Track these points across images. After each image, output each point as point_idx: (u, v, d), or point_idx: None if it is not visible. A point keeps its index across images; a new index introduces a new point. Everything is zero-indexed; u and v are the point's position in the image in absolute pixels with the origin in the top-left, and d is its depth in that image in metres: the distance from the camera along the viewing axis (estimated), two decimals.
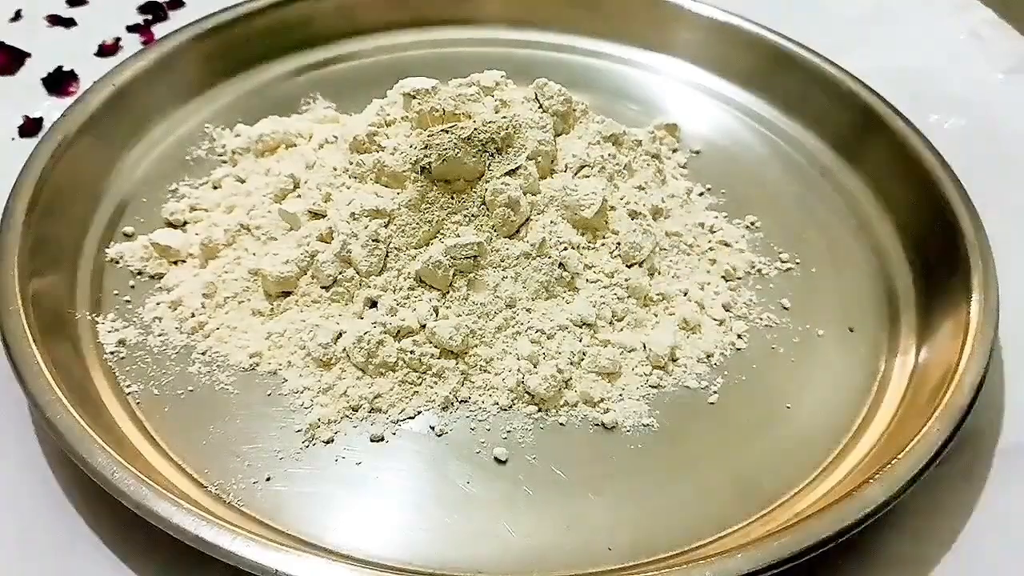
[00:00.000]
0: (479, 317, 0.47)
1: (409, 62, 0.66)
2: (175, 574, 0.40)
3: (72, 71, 0.64)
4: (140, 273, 0.51)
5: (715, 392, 0.48)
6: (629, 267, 0.50)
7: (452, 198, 0.49)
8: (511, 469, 0.44)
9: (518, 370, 0.47)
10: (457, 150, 0.48)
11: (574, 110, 0.54)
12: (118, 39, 0.68)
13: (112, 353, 0.47)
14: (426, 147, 0.49)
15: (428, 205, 0.49)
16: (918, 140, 0.57)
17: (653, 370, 0.48)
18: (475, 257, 0.48)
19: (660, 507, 0.43)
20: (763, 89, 0.65)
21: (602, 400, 0.47)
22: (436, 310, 0.48)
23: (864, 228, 0.57)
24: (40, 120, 0.61)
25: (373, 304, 0.48)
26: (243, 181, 0.55)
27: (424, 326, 0.47)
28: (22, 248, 0.47)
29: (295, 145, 0.57)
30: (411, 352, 0.47)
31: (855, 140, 0.61)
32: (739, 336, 0.51)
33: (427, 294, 0.48)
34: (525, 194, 0.49)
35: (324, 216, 0.50)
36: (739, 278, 0.54)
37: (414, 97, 0.52)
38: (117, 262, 0.51)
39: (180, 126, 0.59)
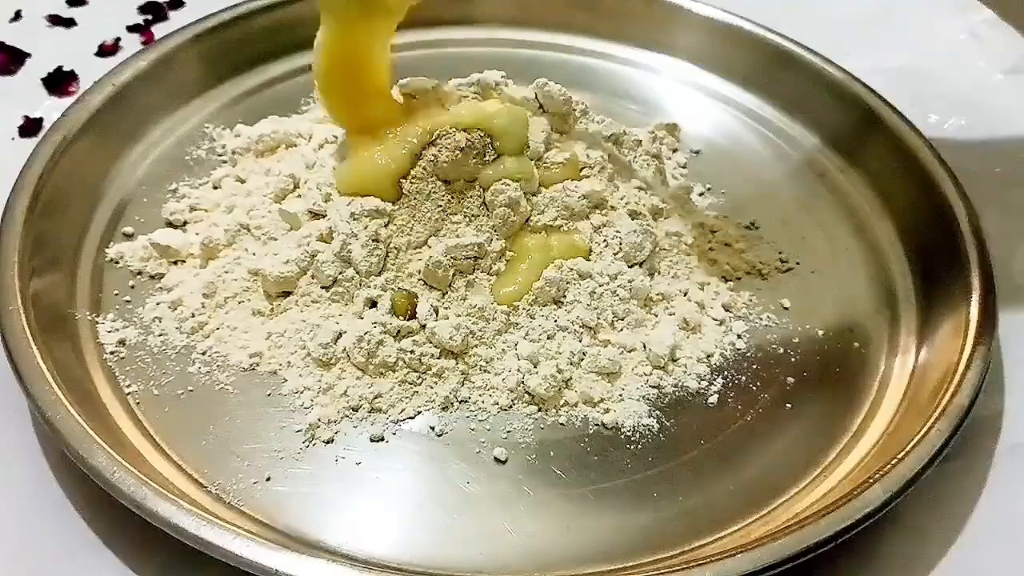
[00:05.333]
0: (479, 318, 0.47)
1: (409, 62, 0.66)
2: (175, 574, 0.40)
3: (72, 71, 0.64)
4: (140, 273, 0.51)
5: (715, 392, 0.48)
6: (629, 267, 0.50)
7: (452, 198, 0.49)
8: (511, 469, 0.44)
9: (518, 370, 0.47)
10: (457, 151, 0.48)
11: (574, 110, 0.54)
12: (118, 39, 0.68)
13: (112, 353, 0.47)
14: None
15: (428, 205, 0.49)
16: (918, 140, 0.57)
17: (653, 370, 0.48)
18: (475, 257, 0.48)
19: (660, 507, 0.43)
20: (763, 89, 0.65)
21: (602, 400, 0.47)
22: (436, 310, 0.48)
23: (864, 228, 0.57)
24: (40, 120, 0.61)
25: (373, 304, 0.48)
26: (243, 181, 0.55)
27: (424, 326, 0.47)
28: (22, 248, 0.47)
29: (295, 145, 0.57)
30: (411, 352, 0.47)
31: (855, 140, 0.61)
32: (739, 336, 0.51)
33: (427, 294, 0.48)
34: (525, 194, 0.49)
35: (324, 216, 0.50)
36: (739, 278, 0.54)
37: (414, 97, 0.52)
38: (117, 262, 0.51)
39: (180, 126, 0.59)
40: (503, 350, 0.48)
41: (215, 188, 0.55)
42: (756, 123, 0.64)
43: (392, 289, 0.48)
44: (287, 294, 0.49)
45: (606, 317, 0.49)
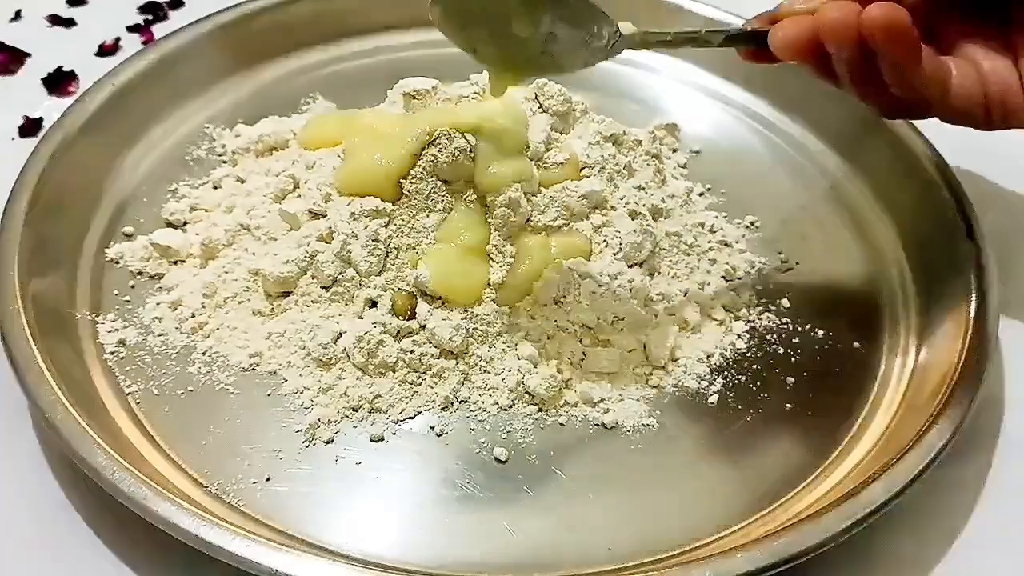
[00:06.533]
0: (479, 319, 0.47)
1: (409, 62, 0.65)
2: (175, 574, 0.40)
3: (72, 71, 0.64)
4: (140, 273, 0.51)
5: (715, 392, 0.48)
6: (629, 267, 0.50)
7: (452, 198, 0.49)
8: (511, 469, 0.44)
9: (518, 370, 0.47)
10: (457, 151, 0.48)
11: (574, 110, 0.54)
12: (118, 39, 0.68)
13: (112, 353, 0.47)
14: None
15: (428, 205, 0.49)
16: (918, 140, 0.57)
17: (653, 370, 0.48)
18: None
19: (660, 507, 0.43)
20: (763, 89, 0.65)
21: (602, 400, 0.47)
22: (436, 309, 0.48)
23: (864, 228, 0.57)
24: (40, 120, 0.61)
25: (373, 304, 0.48)
26: (243, 181, 0.55)
27: (424, 326, 0.47)
28: (22, 248, 0.47)
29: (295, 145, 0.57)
30: (411, 352, 0.47)
31: (855, 140, 0.61)
32: (739, 336, 0.51)
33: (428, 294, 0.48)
34: (525, 194, 0.49)
35: (324, 216, 0.50)
36: (739, 278, 0.54)
37: (414, 97, 0.52)
38: (117, 262, 0.51)
39: (180, 126, 0.59)
40: (503, 350, 0.48)
41: (215, 188, 0.55)
42: (756, 123, 0.64)
43: (392, 289, 0.48)
44: (287, 294, 0.49)
45: (606, 317, 0.49)
